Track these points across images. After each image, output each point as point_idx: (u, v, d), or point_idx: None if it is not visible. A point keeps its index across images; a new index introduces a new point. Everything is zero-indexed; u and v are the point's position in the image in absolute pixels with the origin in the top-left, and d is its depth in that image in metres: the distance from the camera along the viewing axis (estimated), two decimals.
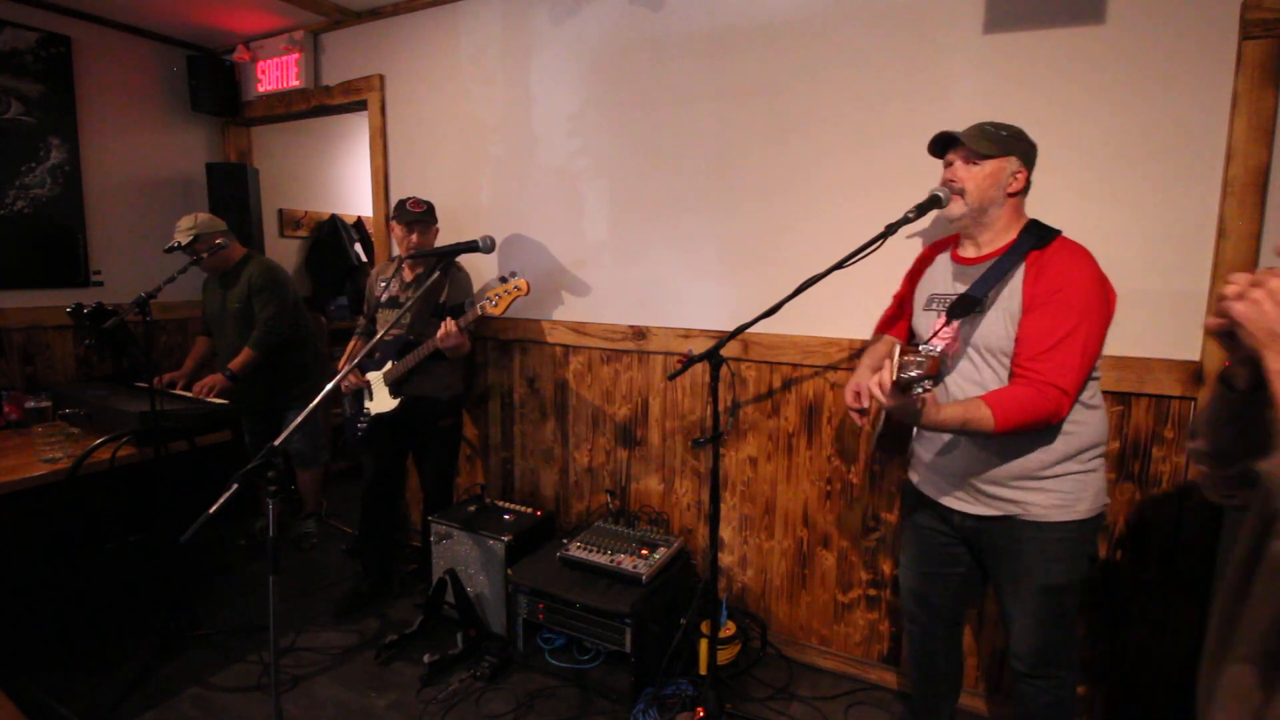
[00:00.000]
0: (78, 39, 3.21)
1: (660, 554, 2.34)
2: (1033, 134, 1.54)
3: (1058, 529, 1.49)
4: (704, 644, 2.20)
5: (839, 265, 1.59)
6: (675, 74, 2.42)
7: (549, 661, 2.35)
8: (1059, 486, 1.49)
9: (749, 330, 1.76)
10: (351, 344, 2.88)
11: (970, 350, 1.52)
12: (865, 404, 1.63)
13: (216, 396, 2.83)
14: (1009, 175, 1.50)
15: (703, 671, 2.21)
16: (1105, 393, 1.87)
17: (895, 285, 1.90)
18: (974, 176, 1.49)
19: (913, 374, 1.17)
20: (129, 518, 2.47)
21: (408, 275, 2.67)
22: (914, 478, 1.73)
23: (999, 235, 1.54)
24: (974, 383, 1.51)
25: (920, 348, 1.21)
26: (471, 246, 2.36)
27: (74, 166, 3.24)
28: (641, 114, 2.51)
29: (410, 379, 2.61)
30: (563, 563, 2.38)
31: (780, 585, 2.46)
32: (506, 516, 2.64)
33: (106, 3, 3.14)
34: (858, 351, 2.18)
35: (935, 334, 1.54)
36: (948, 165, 1.55)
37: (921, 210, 1.53)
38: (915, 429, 1.64)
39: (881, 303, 1.94)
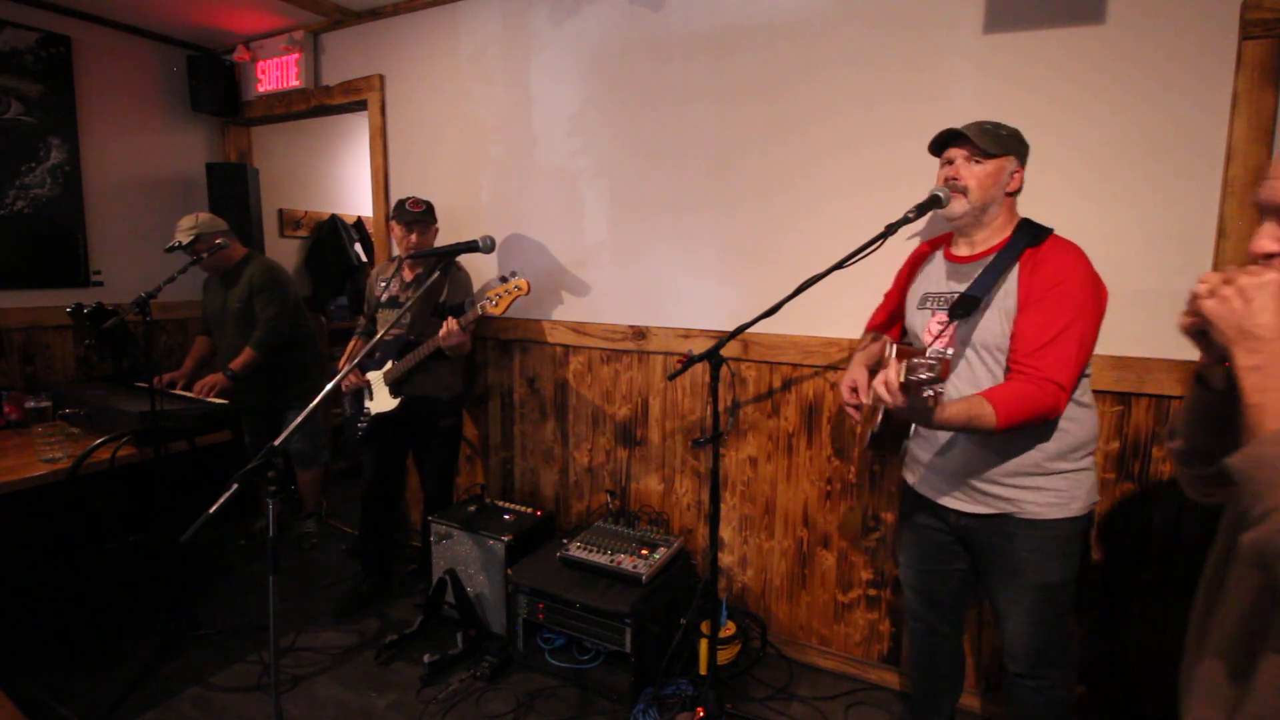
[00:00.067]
0: (78, 39, 3.21)
1: (660, 554, 2.35)
2: (1032, 134, 1.55)
3: (1052, 527, 1.50)
4: (704, 644, 2.20)
5: (839, 265, 1.59)
6: (675, 74, 2.42)
7: (549, 661, 2.35)
8: (1054, 484, 1.49)
9: (749, 330, 1.76)
10: (351, 344, 2.88)
11: (965, 348, 1.52)
12: (862, 400, 1.63)
13: (217, 396, 2.84)
14: (1009, 174, 1.51)
15: (703, 671, 2.21)
16: (1105, 393, 1.88)
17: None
18: (976, 175, 1.50)
19: (924, 376, 1.17)
20: (129, 518, 2.48)
21: (408, 275, 2.67)
22: (910, 478, 1.73)
23: (994, 234, 1.54)
24: (968, 380, 1.51)
25: (929, 351, 1.20)
26: (471, 246, 2.36)
27: (74, 166, 3.24)
28: (641, 114, 2.51)
29: (410, 379, 2.61)
30: (563, 563, 2.38)
31: (780, 585, 2.46)
32: (506, 516, 2.65)
33: (106, 3, 3.13)
34: None
35: (937, 335, 1.54)
36: (948, 163, 1.55)
37: (922, 210, 1.53)
38: (912, 428, 1.64)
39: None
